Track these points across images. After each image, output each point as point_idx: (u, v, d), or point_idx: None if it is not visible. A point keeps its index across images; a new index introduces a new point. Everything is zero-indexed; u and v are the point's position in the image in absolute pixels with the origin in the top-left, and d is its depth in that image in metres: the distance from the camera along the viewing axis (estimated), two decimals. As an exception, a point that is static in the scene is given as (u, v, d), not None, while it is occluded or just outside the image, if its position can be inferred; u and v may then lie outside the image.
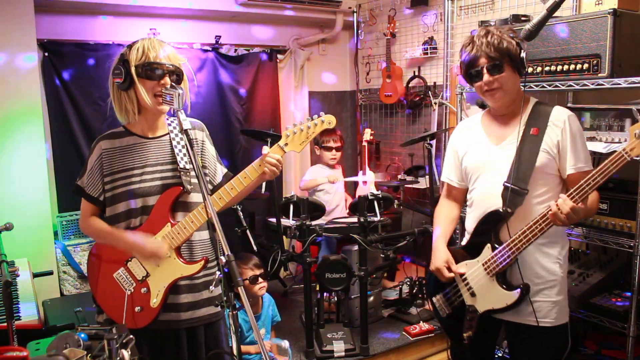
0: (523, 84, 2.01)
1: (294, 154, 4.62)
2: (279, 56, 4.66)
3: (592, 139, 2.57)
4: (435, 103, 4.03)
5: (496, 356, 2.60)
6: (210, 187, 1.98)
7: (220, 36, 4.24)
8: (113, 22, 3.89)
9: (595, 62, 2.34)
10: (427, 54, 4.18)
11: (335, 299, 3.33)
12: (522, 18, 2.73)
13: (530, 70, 2.56)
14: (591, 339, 2.79)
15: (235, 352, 1.59)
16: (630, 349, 2.30)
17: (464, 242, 2.11)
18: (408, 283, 3.64)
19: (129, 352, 1.42)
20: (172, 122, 1.95)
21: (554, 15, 1.89)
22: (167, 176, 1.89)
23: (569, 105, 2.98)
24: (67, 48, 3.67)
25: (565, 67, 2.46)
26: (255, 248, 3.63)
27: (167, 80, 1.79)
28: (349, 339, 3.09)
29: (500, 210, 1.89)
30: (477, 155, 2.03)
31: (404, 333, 3.35)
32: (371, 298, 3.40)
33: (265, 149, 1.83)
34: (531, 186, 1.87)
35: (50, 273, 2.88)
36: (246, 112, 4.47)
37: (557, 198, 1.74)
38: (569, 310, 2.00)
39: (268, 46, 4.58)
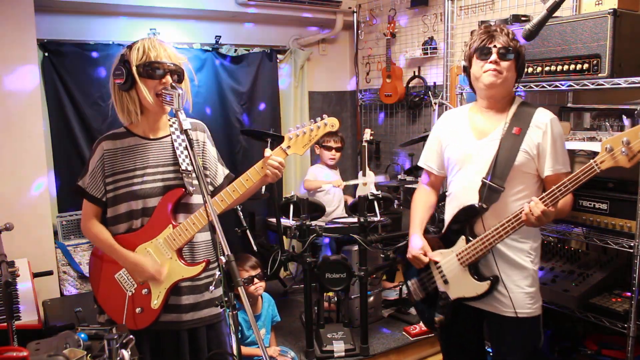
0: (516, 89, 2.07)
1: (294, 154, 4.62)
2: (279, 56, 4.65)
3: (592, 139, 2.57)
4: (435, 103, 4.03)
5: (490, 354, 2.60)
6: (211, 188, 1.98)
7: (220, 36, 4.23)
8: (113, 22, 3.89)
9: (595, 62, 2.34)
10: (427, 54, 4.18)
11: (335, 299, 3.33)
12: (522, 18, 2.73)
13: (530, 70, 2.56)
14: (591, 339, 2.79)
15: (235, 352, 1.59)
16: (630, 349, 2.30)
17: (441, 232, 2.17)
18: (408, 283, 3.63)
19: (129, 352, 1.42)
20: (174, 123, 1.95)
21: (554, 15, 1.90)
22: (169, 177, 1.89)
23: (569, 105, 2.98)
24: (67, 48, 3.67)
25: (565, 67, 2.46)
26: (255, 248, 3.64)
27: (168, 79, 1.79)
28: (349, 339, 3.09)
29: (476, 205, 1.96)
30: (459, 148, 2.08)
31: (404, 333, 3.35)
32: (371, 298, 3.40)
33: (268, 152, 1.83)
34: (508, 184, 1.94)
35: (50, 273, 2.88)
36: (246, 112, 4.47)
37: (534, 196, 1.82)
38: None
39: (268, 46, 4.58)
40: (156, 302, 1.86)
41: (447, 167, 2.15)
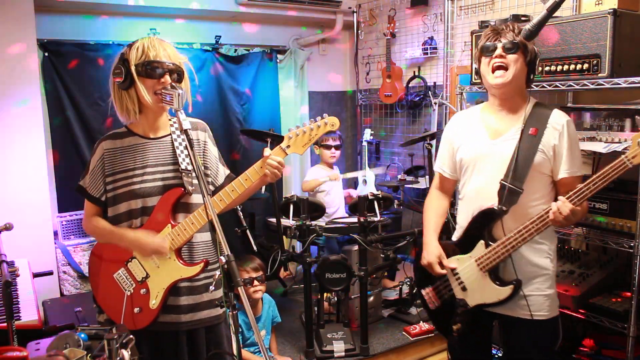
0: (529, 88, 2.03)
1: (294, 154, 4.62)
2: (279, 56, 4.66)
3: (592, 139, 2.57)
4: (435, 103, 4.03)
5: (495, 356, 2.60)
6: (212, 188, 1.98)
7: (220, 36, 4.24)
8: (113, 22, 3.89)
9: (595, 62, 2.34)
10: (427, 54, 4.19)
11: (335, 299, 3.33)
12: (522, 18, 2.73)
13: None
14: (591, 339, 2.79)
15: (235, 352, 1.58)
16: (630, 349, 2.30)
17: (455, 237, 2.12)
18: (408, 283, 3.64)
19: (129, 352, 1.42)
20: (174, 122, 1.95)
21: (554, 15, 1.90)
22: (169, 177, 1.89)
23: (569, 105, 2.98)
24: (67, 48, 3.67)
25: (565, 67, 2.46)
26: (255, 248, 3.64)
27: (167, 78, 1.79)
28: (349, 339, 3.09)
29: (496, 208, 1.91)
30: (473, 148, 2.04)
31: (404, 333, 3.35)
32: (371, 298, 3.40)
33: (267, 151, 1.82)
34: (526, 185, 1.90)
35: (50, 273, 2.88)
36: (246, 112, 4.47)
37: (548, 199, 1.79)
38: (562, 309, 2.04)
39: (268, 46, 4.58)
40: (154, 302, 1.85)
41: (460, 168, 2.10)
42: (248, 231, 3.68)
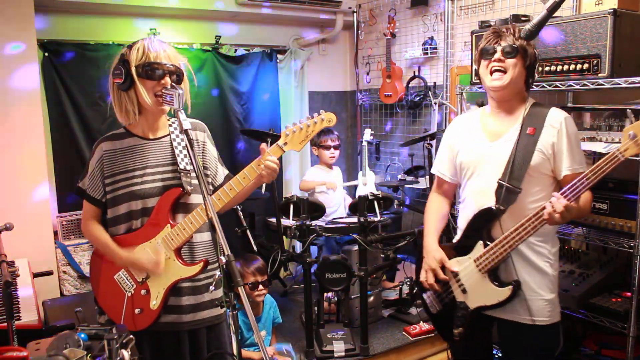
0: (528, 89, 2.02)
1: (294, 153, 4.63)
2: (279, 56, 4.65)
3: (592, 139, 2.57)
4: (435, 103, 4.03)
5: (496, 356, 2.60)
6: (211, 188, 1.98)
7: (220, 36, 4.24)
8: (113, 22, 3.88)
9: (595, 62, 2.34)
10: (427, 54, 4.18)
11: (336, 299, 3.33)
12: (522, 18, 2.73)
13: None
14: (591, 339, 2.79)
15: (235, 352, 1.58)
16: (630, 349, 2.30)
17: (455, 239, 2.11)
18: (408, 283, 3.64)
19: (129, 352, 1.42)
20: (173, 122, 1.95)
21: (554, 15, 1.90)
22: (168, 177, 1.89)
23: (569, 105, 2.98)
24: (67, 48, 3.67)
25: (565, 67, 2.46)
26: (255, 248, 3.63)
27: (167, 80, 1.79)
28: (349, 339, 3.09)
29: (493, 207, 1.91)
30: (472, 152, 2.03)
31: (404, 333, 3.35)
32: (371, 298, 3.40)
33: (264, 146, 1.82)
34: (524, 185, 1.89)
35: (50, 273, 2.88)
36: (246, 112, 4.47)
37: (550, 198, 1.76)
38: (562, 309, 2.02)
39: (268, 46, 4.58)
40: (155, 302, 1.85)
41: (460, 171, 2.09)
42: (248, 231, 3.67)
